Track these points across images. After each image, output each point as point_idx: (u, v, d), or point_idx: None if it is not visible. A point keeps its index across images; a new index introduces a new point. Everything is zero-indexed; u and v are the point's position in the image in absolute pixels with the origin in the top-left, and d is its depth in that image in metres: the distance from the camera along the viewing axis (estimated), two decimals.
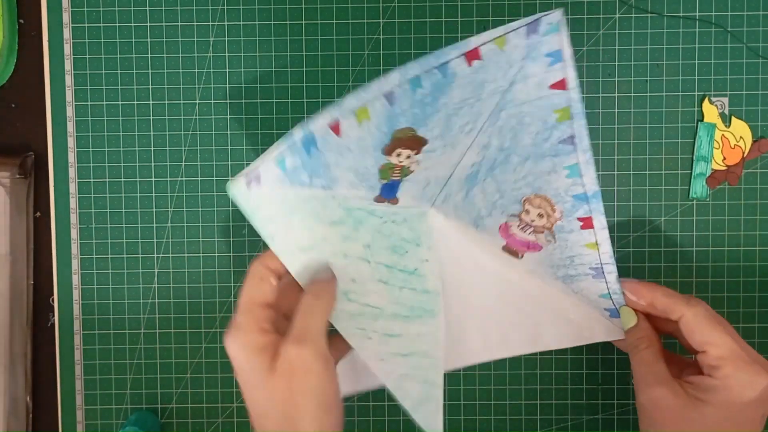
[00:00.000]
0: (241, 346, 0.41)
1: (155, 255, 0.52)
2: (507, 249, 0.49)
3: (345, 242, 0.47)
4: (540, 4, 0.51)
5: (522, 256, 0.49)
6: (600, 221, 0.46)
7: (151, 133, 0.52)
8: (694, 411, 0.43)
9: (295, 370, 0.40)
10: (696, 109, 0.51)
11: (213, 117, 0.52)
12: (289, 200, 0.45)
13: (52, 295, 0.53)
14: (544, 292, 0.50)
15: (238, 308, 0.42)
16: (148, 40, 0.52)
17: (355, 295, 0.47)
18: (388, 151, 0.43)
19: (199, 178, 0.52)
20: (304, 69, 0.51)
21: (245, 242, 0.52)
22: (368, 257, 0.48)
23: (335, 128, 0.41)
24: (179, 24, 0.51)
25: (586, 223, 0.46)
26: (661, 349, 0.47)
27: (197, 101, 0.52)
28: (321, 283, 0.44)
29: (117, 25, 0.51)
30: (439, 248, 0.49)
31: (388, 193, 0.47)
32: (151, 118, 0.52)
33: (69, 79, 0.52)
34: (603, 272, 0.47)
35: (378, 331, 0.48)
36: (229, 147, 0.52)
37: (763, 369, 0.43)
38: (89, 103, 0.52)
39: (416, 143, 0.44)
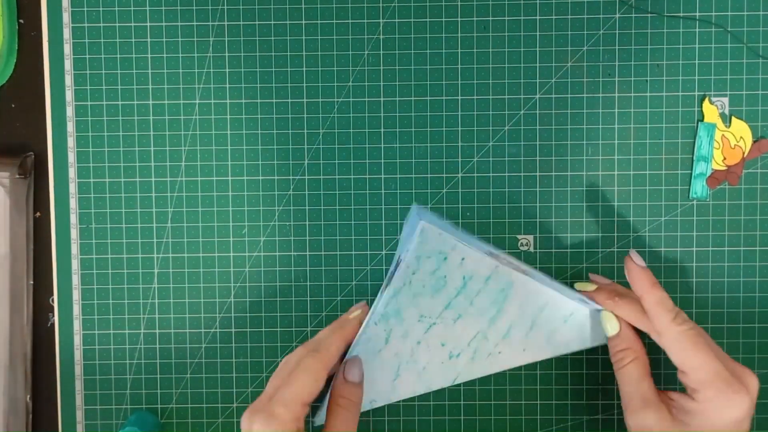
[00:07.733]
0: None
1: (155, 255, 0.52)
2: None
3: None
4: (540, 5, 0.51)
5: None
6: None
7: (151, 133, 0.52)
8: None
9: None
10: (696, 109, 0.51)
11: (213, 117, 0.52)
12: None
13: (52, 295, 0.53)
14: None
15: (279, 399, 0.42)
16: (148, 40, 0.51)
17: (455, 346, 0.49)
18: None
19: (199, 178, 0.52)
20: (304, 69, 0.51)
21: (245, 242, 0.52)
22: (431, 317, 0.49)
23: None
24: (179, 24, 0.51)
25: None
26: (647, 362, 0.46)
27: (197, 101, 0.52)
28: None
29: (117, 25, 0.51)
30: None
31: None
32: (151, 118, 0.52)
33: (69, 79, 0.52)
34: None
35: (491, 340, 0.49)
36: (229, 147, 0.52)
37: (743, 387, 0.43)
38: (89, 103, 0.52)
39: None
